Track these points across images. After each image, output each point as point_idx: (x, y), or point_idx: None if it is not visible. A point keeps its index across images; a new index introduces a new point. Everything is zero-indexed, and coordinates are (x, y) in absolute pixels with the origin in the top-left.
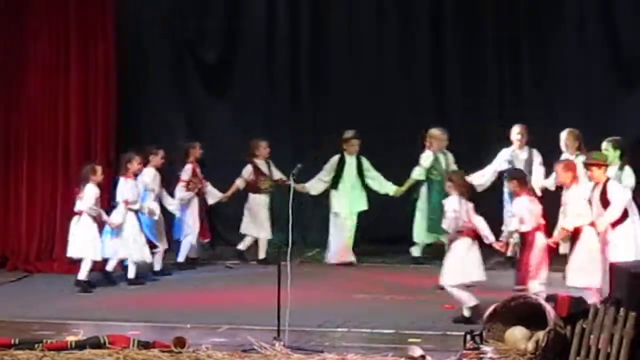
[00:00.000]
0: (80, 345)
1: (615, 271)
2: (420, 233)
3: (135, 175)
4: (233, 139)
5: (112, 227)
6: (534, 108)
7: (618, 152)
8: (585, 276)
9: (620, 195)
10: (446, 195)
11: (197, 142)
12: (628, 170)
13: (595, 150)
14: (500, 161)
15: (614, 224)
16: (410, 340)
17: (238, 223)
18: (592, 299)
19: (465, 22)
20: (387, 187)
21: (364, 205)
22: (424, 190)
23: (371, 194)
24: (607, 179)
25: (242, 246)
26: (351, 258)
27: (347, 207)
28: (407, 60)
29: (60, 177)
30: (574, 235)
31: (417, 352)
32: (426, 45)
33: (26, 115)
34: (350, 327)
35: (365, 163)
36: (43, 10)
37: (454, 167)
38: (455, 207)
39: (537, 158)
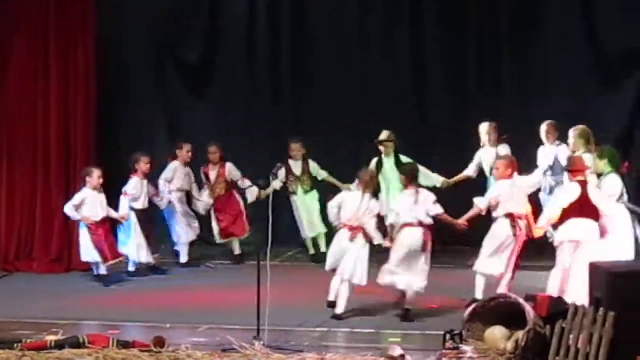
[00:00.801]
0: (59, 345)
1: (595, 271)
2: None
3: (146, 175)
4: (215, 139)
5: (122, 220)
6: (515, 106)
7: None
8: (492, 264)
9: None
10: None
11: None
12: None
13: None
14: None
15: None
16: (390, 339)
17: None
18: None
19: (447, 18)
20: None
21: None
22: None
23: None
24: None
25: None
26: None
27: None
28: (389, 57)
29: (39, 179)
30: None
31: (397, 351)
32: (407, 42)
33: (6, 118)
34: (330, 327)
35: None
36: (23, 12)
37: None
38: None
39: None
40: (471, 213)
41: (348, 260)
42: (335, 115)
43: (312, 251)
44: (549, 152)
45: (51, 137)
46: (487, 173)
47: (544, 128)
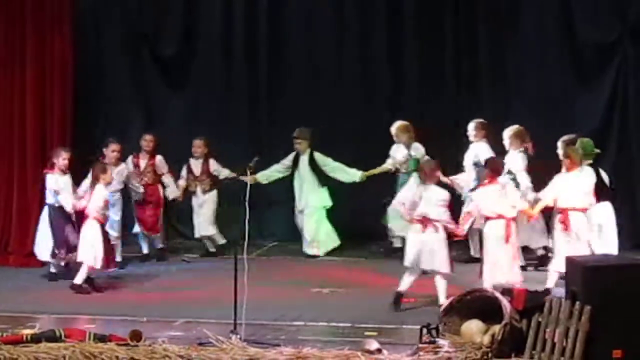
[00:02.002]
0: (36, 339)
1: (571, 265)
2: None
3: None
4: (191, 132)
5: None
6: (491, 104)
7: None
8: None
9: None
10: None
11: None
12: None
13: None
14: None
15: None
16: (367, 333)
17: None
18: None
19: (423, 16)
20: (351, 175)
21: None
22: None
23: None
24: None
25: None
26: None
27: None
28: (365, 54)
29: (15, 171)
30: None
31: (373, 345)
32: (384, 39)
33: None
34: (307, 321)
35: (320, 157)
36: None
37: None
38: None
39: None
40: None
41: (425, 253)
42: (311, 109)
43: (212, 249)
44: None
45: (27, 130)
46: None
47: (506, 135)
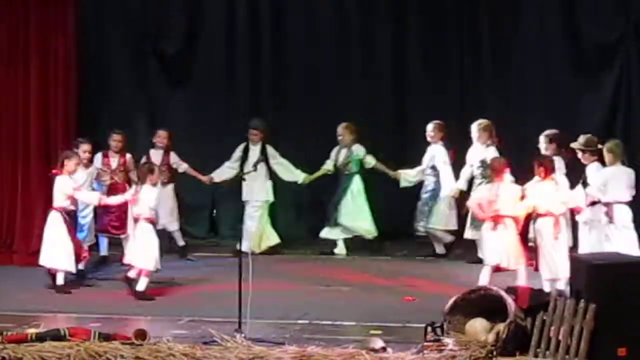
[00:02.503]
0: (40, 338)
1: (575, 262)
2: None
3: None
4: (193, 130)
5: None
6: (494, 103)
7: None
8: None
9: None
10: None
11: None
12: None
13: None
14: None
15: None
16: (371, 332)
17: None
18: None
19: (426, 15)
20: (295, 175)
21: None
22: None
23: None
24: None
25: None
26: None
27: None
28: (368, 52)
29: (20, 169)
30: None
31: (378, 343)
32: (387, 37)
33: None
34: (311, 320)
35: (271, 150)
36: (2, 2)
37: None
38: None
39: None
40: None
41: (497, 247)
42: (314, 107)
43: (180, 242)
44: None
45: (31, 129)
46: None
47: (474, 128)
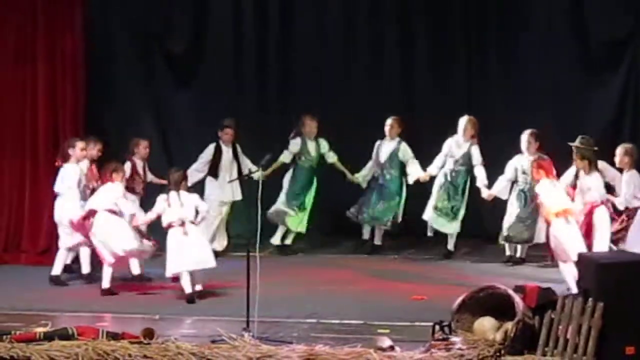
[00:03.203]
0: (48, 337)
1: (583, 261)
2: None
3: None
4: (200, 129)
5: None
6: (502, 101)
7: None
8: None
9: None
10: None
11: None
12: None
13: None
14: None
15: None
16: (379, 330)
17: None
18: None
19: (434, 13)
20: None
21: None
22: None
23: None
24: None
25: None
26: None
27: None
28: (376, 51)
29: (27, 169)
30: None
31: (385, 342)
32: (394, 36)
33: None
34: (319, 318)
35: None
36: (10, 0)
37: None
38: None
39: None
40: None
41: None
42: (321, 106)
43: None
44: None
45: (39, 127)
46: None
47: (462, 124)
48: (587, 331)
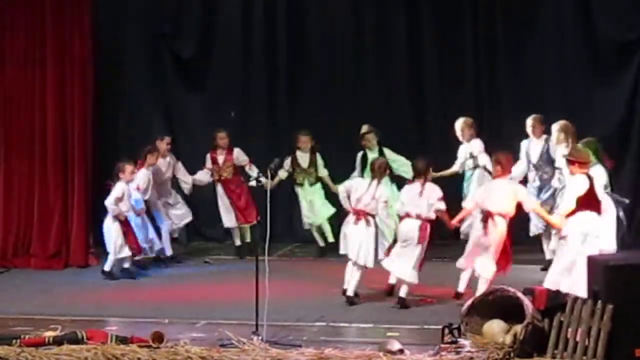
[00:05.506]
0: (58, 341)
1: (592, 264)
2: None
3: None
4: (209, 132)
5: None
6: (511, 102)
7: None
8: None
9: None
10: None
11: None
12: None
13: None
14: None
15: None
16: (388, 334)
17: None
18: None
19: (443, 16)
20: None
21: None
22: None
23: None
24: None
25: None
26: None
27: None
28: (385, 53)
29: (37, 172)
30: None
31: (395, 345)
32: (403, 39)
33: (2, 110)
34: (328, 322)
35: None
36: (19, 3)
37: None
38: None
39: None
40: (461, 215)
41: (353, 243)
42: (331, 109)
43: (321, 243)
44: (535, 146)
45: (48, 131)
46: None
47: (529, 122)
48: (597, 333)
